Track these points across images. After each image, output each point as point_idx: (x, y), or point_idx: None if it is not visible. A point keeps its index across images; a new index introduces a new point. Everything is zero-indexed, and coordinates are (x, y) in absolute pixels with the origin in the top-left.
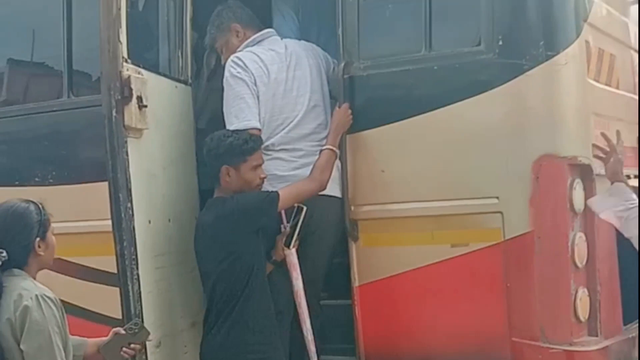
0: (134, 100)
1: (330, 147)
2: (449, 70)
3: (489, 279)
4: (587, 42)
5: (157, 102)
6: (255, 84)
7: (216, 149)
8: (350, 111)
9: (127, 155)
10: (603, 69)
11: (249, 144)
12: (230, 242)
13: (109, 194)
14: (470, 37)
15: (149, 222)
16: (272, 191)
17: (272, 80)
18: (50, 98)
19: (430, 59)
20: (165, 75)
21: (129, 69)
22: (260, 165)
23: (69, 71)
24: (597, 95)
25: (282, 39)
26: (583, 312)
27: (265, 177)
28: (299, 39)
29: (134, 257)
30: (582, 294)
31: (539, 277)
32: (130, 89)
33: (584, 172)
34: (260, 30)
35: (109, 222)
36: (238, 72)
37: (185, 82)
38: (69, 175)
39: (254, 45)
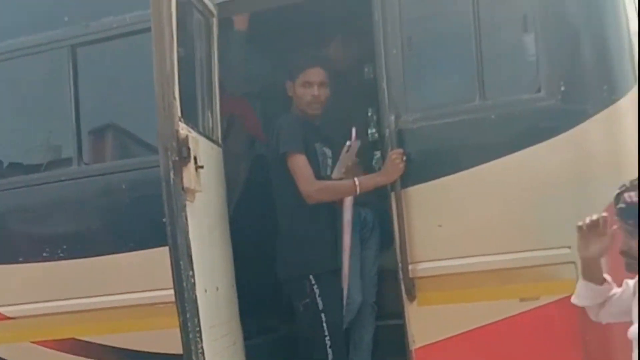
0: (192, 161)
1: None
2: (507, 119)
3: (563, 333)
4: None
5: (204, 163)
6: None
7: None
8: (401, 158)
9: (186, 219)
10: None
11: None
12: None
13: (170, 261)
14: (528, 83)
15: (205, 290)
16: None
17: None
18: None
19: (487, 108)
20: (205, 136)
21: (183, 128)
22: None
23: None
24: None
25: None
26: None
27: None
28: None
29: (197, 329)
30: None
31: (619, 330)
32: (189, 149)
33: None
34: None
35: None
36: None
37: (217, 144)
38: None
39: None
